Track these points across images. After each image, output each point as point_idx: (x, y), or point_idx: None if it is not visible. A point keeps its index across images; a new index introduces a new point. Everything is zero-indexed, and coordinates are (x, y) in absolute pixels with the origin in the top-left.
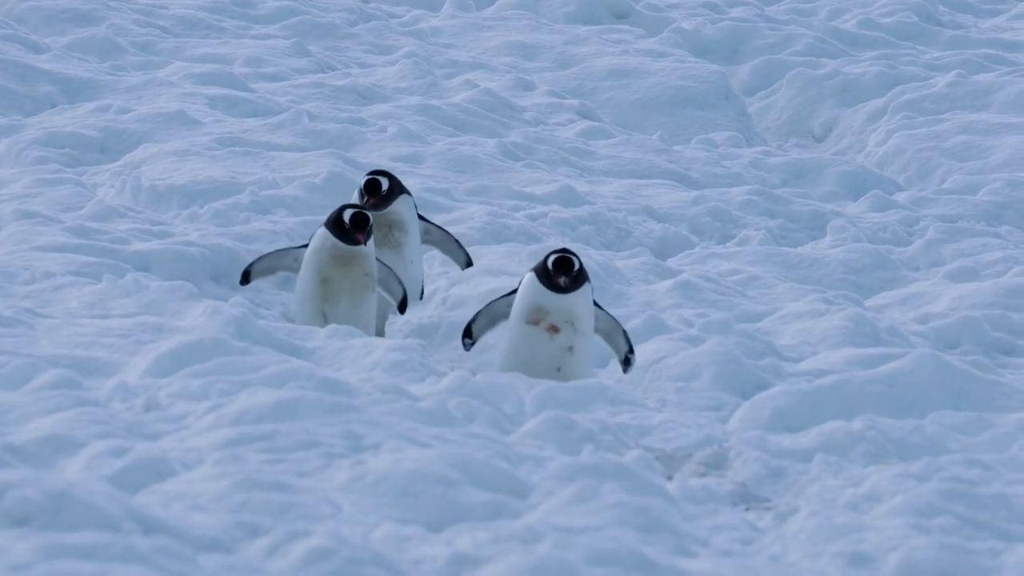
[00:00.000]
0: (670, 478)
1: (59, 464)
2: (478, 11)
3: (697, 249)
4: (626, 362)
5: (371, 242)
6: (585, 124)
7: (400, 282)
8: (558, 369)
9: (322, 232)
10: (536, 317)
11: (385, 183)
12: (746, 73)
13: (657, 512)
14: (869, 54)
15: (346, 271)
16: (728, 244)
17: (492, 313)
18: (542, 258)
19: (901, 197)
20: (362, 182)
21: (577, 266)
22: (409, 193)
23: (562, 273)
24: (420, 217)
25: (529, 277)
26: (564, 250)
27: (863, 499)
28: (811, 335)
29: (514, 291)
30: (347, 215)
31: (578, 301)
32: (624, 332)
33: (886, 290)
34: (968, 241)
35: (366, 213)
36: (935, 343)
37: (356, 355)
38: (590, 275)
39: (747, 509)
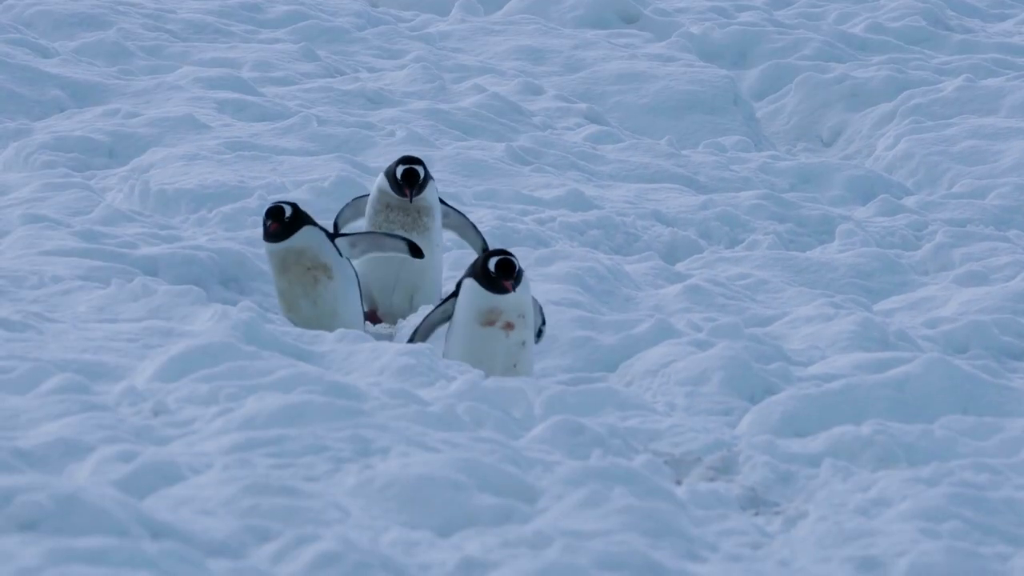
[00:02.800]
0: (679, 483)
1: (67, 469)
2: (486, 15)
3: (706, 253)
4: (539, 334)
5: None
6: (593, 128)
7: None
8: (514, 365)
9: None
10: (491, 318)
11: (422, 172)
12: (754, 77)
13: (666, 517)
14: (878, 58)
15: (288, 275)
16: (737, 248)
17: (429, 327)
18: (477, 263)
19: (910, 201)
20: (399, 171)
21: (518, 266)
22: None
23: (507, 277)
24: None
25: (469, 283)
26: (500, 252)
27: (872, 504)
28: (820, 339)
29: (446, 300)
30: (492, 263)
31: (525, 294)
32: (540, 308)
33: (895, 294)
34: (977, 245)
35: (281, 205)
36: (944, 347)
37: (365, 359)
38: (597, 279)
39: (756, 514)
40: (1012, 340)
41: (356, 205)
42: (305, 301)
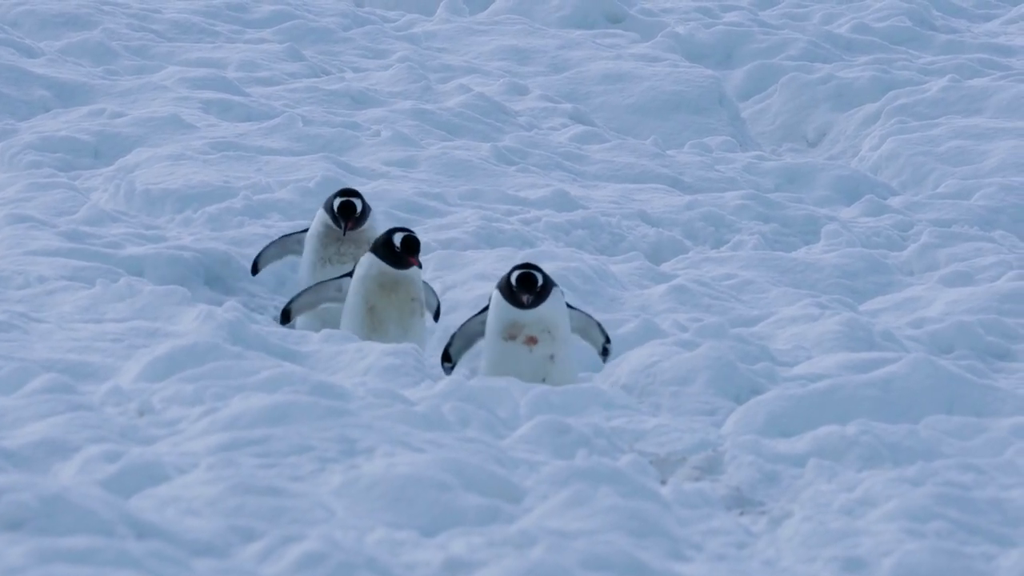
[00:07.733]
0: (664, 482)
1: (53, 468)
2: (472, 15)
3: (691, 254)
4: (604, 352)
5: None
6: (579, 128)
7: (435, 294)
8: (543, 379)
9: (368, 258)
10: (512, 332)
11: (359, 204)
12: (740, 78)
13: (651, 516)
14: (863, 59)
15: (392, 297)
16: (722, 249)
17: (467, 333)
18: (506, 274)
19: (895, 202)
20: (336, 204)
21: (540, 281)
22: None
23: (526, 291)
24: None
25: (495, 296)
26: (526, 265)
27: (857, 504)
28: (805, 340)
29: (485, 308)
30: (397, 239)
31: (550, 309)
32: (599, 324)
33: (880, 295)
34: (962, 246)
35: (417, 237)
36: (929, 348)
37: (350, 359)
38: (582, 279)
39: (741, 513)
40: (997, 340)
41: (283, 244)
42: (395, 326)
